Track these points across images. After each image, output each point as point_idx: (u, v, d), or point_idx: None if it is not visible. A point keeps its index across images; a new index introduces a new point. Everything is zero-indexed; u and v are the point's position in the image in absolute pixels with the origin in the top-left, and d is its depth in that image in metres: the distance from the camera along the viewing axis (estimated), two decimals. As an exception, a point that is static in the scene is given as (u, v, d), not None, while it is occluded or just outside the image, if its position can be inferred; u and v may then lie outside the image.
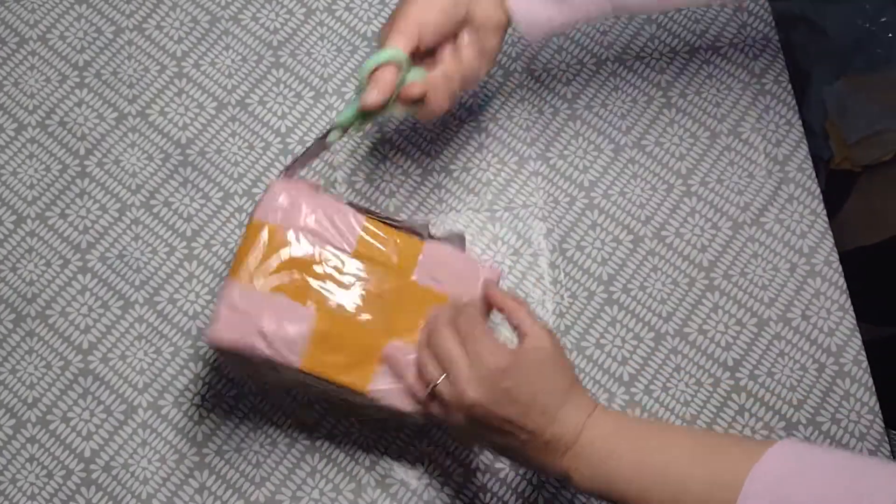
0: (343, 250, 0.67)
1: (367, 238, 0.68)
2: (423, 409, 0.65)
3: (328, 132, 0.68)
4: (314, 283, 0.66)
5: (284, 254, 0.66)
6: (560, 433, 0.60)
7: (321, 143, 0.69)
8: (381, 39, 0.67)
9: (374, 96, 0.65)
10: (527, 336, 0.62)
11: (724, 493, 0.54)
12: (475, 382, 0.60)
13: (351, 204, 0.69)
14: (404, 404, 0.66)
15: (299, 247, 0.66)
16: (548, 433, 0.60)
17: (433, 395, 0.62)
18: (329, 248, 0.67)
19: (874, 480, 0.51)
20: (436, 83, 0.68)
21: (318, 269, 0.66)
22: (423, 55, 0.68)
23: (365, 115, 0.67)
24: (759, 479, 0.53)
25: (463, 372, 0.61)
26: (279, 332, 0.64)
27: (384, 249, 0.68)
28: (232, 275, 0.65)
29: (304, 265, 0.66)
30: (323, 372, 0.65)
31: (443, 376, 0.62)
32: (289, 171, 0.69)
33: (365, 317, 0.66)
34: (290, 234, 0.66)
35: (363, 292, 0.67)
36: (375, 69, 0.65)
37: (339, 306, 0.66)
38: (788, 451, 0.55)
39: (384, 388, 0.66)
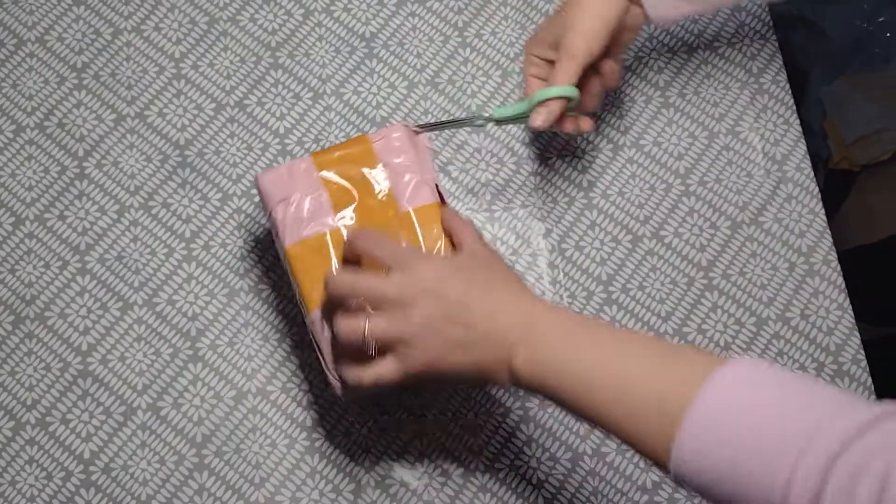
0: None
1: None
2: (370, 378, 0.62)
3: (475, 116, 0.74)
4: (356, 200, 0.70)
5: (354, 169, 0.70)
6: (504, 329, 0.59)
7: (464, 121, 0.75)
8: (533, 46, 0.74)
9: (539, 122, 0.70)
10: (462, 245, 0.65)
11: (672, 403, 0.52)
12: (420, 296, 0.59)
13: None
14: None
15: (372, 173, 0.71)
16: (491, 328, 0.59)
17: (373, 345, 0.60)
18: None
19: (826, 408, 0.48)
20: (584, 102, 0.74)
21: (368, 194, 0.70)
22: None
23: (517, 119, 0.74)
24: (707, 401, 0.51)
25: (397, 291, 0.59)
26: (297, 214, 0.69)
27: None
28: (314, 155, 0.71)
29: (360, 184, 0.70)
30: (295, 269, 0.67)
31: (367, 319, 0.60)
32: (422, 127, 0.73)
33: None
34: (378, 167, 0.71)
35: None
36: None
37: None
38: (744, 373, 0.52)
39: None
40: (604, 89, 0.75)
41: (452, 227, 0.67)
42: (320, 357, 0.67)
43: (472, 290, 0.60)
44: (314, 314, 0.66)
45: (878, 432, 0.46)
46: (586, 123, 0.74)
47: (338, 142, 0.85)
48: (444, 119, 0.79)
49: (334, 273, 0.62)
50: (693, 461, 0.51)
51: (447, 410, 0.79)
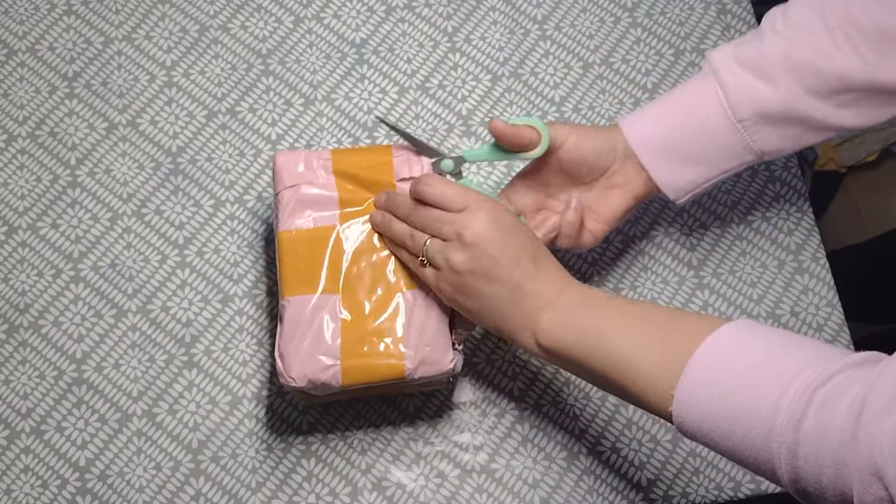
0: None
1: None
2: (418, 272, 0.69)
3: (440, 159, 0.73)
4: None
5: (369, 176, 0.73)
6: (539, 289, 0.64)
7: (431, 150, 0.74)
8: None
9: (503, 127, 0.69)
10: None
11: (674, 356, 0.57)
12: (474, 220, 0.65)
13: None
14: (438, 369, 0.69)
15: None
16: (528, 286, 0.64)
17: (425, 262, 0.67)
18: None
19: (811, 352, 0.53)
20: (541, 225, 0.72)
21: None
22: (555, 175, 0.73)
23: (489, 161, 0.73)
24: (705, 351, 0.56)
25: (460, 217, 0.66)
26: (302, 202, 0.71)
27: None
28: (335, 152, 0.73)
29: (370, 191, 0.73)
30: (282, 252, 0.70)
31: (428, 239, 0.67)
32: (388, 125, 0.74)
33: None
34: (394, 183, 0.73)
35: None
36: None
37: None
38: (739, 328, 0.57)
39: (414, 365, 0.68)
40: (575, 228, 0.72)
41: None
42: (276, 343, 0.69)
43: (521, 253, 0.65)
44: (287, 299, 0.69)
45: (859, 369, 0.50)
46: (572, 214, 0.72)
47: (330, 147, 0.86)
48: (420, 138, 0.78)
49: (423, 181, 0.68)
50: (693, 411, 0.55)
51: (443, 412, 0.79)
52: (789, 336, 0.56)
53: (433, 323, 0.69)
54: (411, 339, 0.69)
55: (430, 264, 0.67)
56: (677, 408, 0.56)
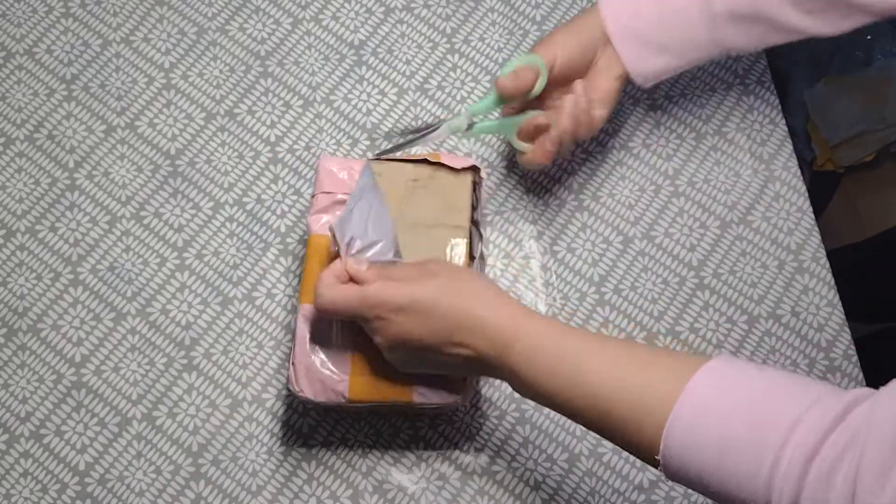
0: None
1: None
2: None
3: (439, 124, 0.74)
4: None
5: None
6: (483, 356, 0.61)
7: (429, 129, 0.75)
8: (499, 83, 0.73)
9: (508, 81, 0.71)
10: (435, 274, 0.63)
11: (655, 409, 0.54)
12: (379, 334, 0.63)
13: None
14: (446, 398, 0.68)
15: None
16: (470, 353, 0.61)
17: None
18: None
19: (800, 400, 0.51)
20: (545, 139, 0.74)
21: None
22: (549, 90, 0.75)
23: (492, 122, 0.75)
24: (689, 401, 0.53)
25: (369, 328, 0.64)
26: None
27: None
28: (374, 163, 0.72)
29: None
30: (309, 256, 0.70)
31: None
32: (383, 153, 0.74)
33: None
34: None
35: None
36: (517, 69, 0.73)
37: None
38: (722, 372, 0.54)
39: (423, 390, 0.68)
40: (563, 138, 0.73)
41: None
42: (292, 350, 0.69)
43: (448, 331, 0.61)
44: (304, 307, 0.69)
45: (847, 426, 0.49)
46: (540, 119, 0.74)
47: (328, 149, 0.85)
48: (411, 133, 0.79)
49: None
50: (680, 458, 0.53)
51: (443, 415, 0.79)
52: (773, 376, 0.54)
53: None
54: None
55: None
56: (666, 469, 0.55)
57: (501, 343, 0.60)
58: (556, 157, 0.75)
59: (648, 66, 0.75)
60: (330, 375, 0.68)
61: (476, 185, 0.73)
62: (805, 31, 0.73)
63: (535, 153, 0.74)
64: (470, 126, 0.75)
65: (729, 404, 0.52)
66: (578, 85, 0.74)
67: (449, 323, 0.61)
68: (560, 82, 0.75)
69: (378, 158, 0.73)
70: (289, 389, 0.70)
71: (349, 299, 0.62)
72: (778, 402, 0.51)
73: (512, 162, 0.86)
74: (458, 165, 0.72)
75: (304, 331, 0.69)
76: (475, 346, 0.61)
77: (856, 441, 0.48)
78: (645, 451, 0.55)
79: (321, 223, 0.72)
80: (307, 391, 0.68)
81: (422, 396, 0.68)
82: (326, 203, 0.72)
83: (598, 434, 0.59)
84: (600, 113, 0.75)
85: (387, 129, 0.86)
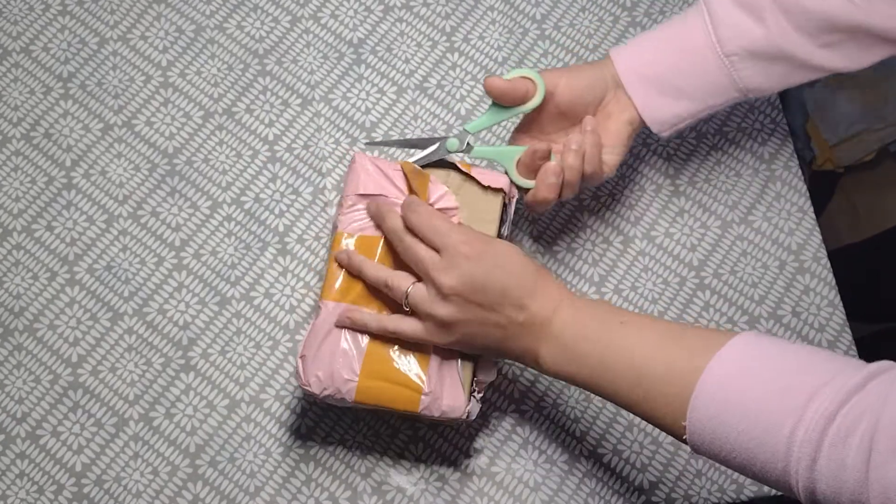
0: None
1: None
2: (393, 327, 0.66)
3: (435, 142, 0.72)
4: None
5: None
6: (532, 319, 0.63)
7: (436, 151, 0.72)
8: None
9: (499, 83, 0.69)
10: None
11: (683, 378, 0.56)
12: (452, 271, 0.63)
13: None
14: (452, 412, 0.67)
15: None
16: (521, 318, 0.63)
17: (408, 305, 0.65)
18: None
19: (821, 371, 0.53)
20: (547, 170, 0.70)
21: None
22: (556, 127, 0.73)
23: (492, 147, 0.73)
24: (716, 371, 0.56)
25: (437, 264, 0.63)
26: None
27: None
28: (406, 169, 0.70)
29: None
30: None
31: (412, 283, 0.65)
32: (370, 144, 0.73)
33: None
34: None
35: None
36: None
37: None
38: (748, 344, 0.57)
39: (429, 401, 0.67)
40: (569, 176, 0.71)
41: None
42: (303, 342, 0.68)
43: (507, 290, 0.63)
44: (324, 302, 0.69)
45: (864, 393, 0.51)
46: (542, 145, 0.71)
47: (327, 148, 0.85)
48: (407, 146, 0.76)
49: (400, 229, 0.66)
50: (706, 430, 0.55)
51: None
52: (796, 348, 0.56)
53: (456, 363, 0.68)
54: (432, 375, 0.67)
55: (412, 313, 0.66)
56: (691, 438, 0.57)
57: (551, 307, 0.63)
58: (564, 196, 0.72)
59: (664, 111, 0.72)
60: (340, 375, 0.67)
61: (506, 203, 0.71)
62: (826, 68, 0.71)
63: (538, 188, 0.71)
64: (468, 146, 0.72)
65: (753, 375, 0.55)
66: (588, 121, 0.71)
67: (515, 281, 0.63)
68: (567, 117, 0.73)
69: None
70: (293, 383, 0.69)
71: (440, 221, 0.64)
72: (800, 372, 0.54)
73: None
74: (486, 182, 0.70)
75: (321, 326, 0.68)
76: (530, 307, 0.63)
77: (873, 407, 0.49)
78: (671, 422, 0.57)
79: (351, 224, 0.70)
80: (314, 386, 0.67)
81: (427, 408, 0.67)
82: (357, 203, 0.70)
83: (625, 406, 0.61)
84: (610, 158, 0.72)
85: (380, 137, 0.85)
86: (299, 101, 0.86)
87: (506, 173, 0.72)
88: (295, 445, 0.77)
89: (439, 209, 0.69)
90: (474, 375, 0.69)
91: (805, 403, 0.51)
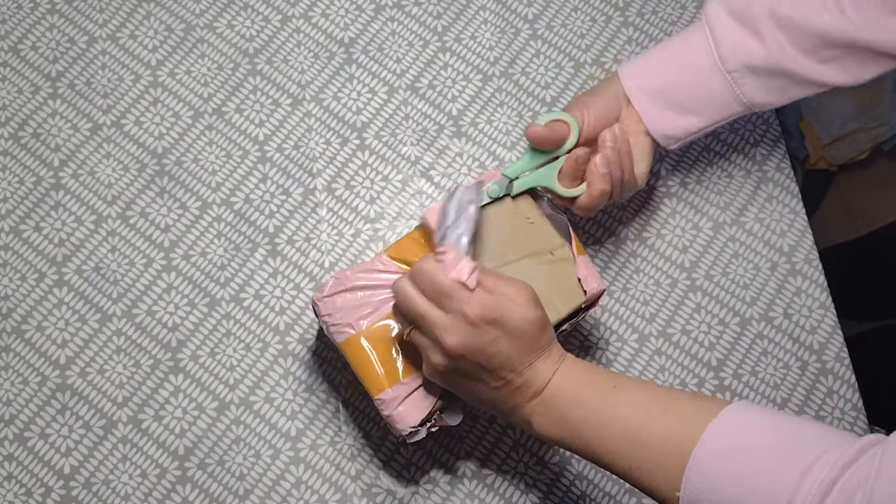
0: None
1: None
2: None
3: (483, 185, 0.70)
4: None
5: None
6: (528, 383, 0.62)
7: (479, 196, 0.69)
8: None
9: (541, 128, 0.69)
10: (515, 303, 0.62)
11: (677, 450, 0.56)
12: (454, 334, 0.60)
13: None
14: (398, 424, 0.66)
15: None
16: (518, 382, 0.62)
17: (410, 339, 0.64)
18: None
19: (815, 445, 0.53)
20: (597, 163, 0.70)
21: None
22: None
23: (530, 173, 0.71)
24: (709, 445, 0.55)
25: (440, 321, 0.61)
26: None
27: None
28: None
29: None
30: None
31: (410, 329, 0.64)
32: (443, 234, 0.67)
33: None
34: None
35: None
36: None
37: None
38: (740, 418, 0.57)
39: (387, 399, 0.66)
40: (613, 169, 0.71)
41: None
42: (338, 274, 0.68)
43: (506, 358, 0.61)
44: (386, 259, 0.69)
45: (859, 468, 0.51)
46: (581, 151, 0.71)
47: (318, 149, 0.84)
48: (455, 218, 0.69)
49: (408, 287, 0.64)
50: (700, 502, 0.55)
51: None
52: (789, 421, 0.56)
53: (428, 389, 0.67)
54: (411, 382, 0.66)
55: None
56: (684, 501, 0.56)
57: (549, 374, 0.62)
58: (613, 197, 0.71)
59: (671, 126, 0.73)
60: (351, 314, 0.67)
61: (581, 308, 0.70)
62: (827, 83, 0.71)
63: (592, 184, 0.70)
64: (509, 187, 0.71)
65: (746, 449, 0.55)
66: (612, 127, 0.71)
67: (518, 350, 0.61)
68: (592, 142, 0.73)
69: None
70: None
71: (446, 281, 0.61)
72: (794, 446, 0.54)
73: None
74: (586, 287, 0.69)
75: (372, 268, 0.68)
76: (527, 374, 0.62)
77: (866, 482, 0.50)
78: (665, 493, 0.57)
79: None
80: (324, 306, 0.67)
81: (382, 404, 0.67)
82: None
83: (618, 473, 0.60)
84: (639, 169, 0.73)
85: (371, 136, 0.84)
86: (290, 100, 0.86)
87: (551, 193, 0.72)
88: (285, 448, 0.77)
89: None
90: (441, 411, 0.68)
91: (800, 478, 0.51)
